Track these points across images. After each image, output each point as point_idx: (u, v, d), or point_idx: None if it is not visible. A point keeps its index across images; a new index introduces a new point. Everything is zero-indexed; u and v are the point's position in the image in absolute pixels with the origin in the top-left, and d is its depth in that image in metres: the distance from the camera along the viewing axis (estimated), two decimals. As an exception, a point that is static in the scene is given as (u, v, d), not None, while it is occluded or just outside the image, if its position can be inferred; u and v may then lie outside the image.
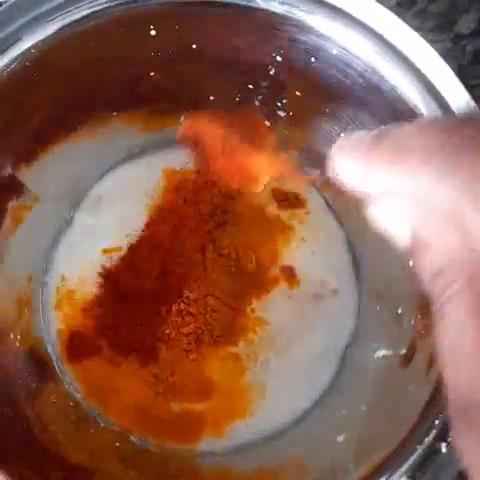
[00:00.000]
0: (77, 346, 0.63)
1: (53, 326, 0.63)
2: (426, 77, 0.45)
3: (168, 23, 0.51)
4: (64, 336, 0.63)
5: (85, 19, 0.47)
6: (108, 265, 0.65)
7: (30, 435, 0.53)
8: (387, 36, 0.46)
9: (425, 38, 0.67)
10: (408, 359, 0.50)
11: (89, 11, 0.47)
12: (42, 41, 0.47)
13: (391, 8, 0.77)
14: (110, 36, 0.50)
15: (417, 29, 0.75)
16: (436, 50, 0.49)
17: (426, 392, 0.44)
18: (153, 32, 0.51)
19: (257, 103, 0.60)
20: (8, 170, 0.54)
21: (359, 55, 0.47)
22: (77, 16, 0.47)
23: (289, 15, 0.47)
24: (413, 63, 0.46)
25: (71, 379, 0.62)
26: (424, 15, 0.80)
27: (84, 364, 0.62)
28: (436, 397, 0.43)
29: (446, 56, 0.77)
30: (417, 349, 0.49)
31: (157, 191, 0.66)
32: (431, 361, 0.46)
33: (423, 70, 0.46)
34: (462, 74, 0.78)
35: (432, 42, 0.78)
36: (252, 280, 0.65)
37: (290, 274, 0.66)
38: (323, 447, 0.55)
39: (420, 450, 0.43)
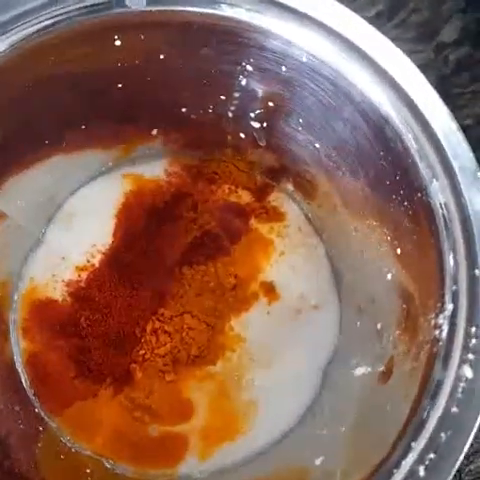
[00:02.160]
0: (47, 374, 0.60)
1: (21, 347, 0.61)
2: (397, 83, 0.44)
3: (133, 33, 0.49)
4: (32, 359, 0.61)
5: (44, 31, 0.46)
6: (79, 282, 0.63)
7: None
8: (355, 41, 0.44)
9: (406, 48, 0.65)
10: (386, 376, 0.48)
11: (48, 22, 0.46)
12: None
13: (371, 19, 0.77)
14: (72, 48, 0.48)
15: (398, 39, 0.73)
16: (418, 60, 0.48)
17: (404, 412, 0.42)
18: (118, 42, 0.49)
19: (230, 114, 0.58)
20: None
21: (327, 61, 0.45)
22: (35, 28, 0.46)
23: (255, 22, 0.45)
24: (383, 69, 0.44)
25: (41, 404, 0.60)
26: (405, 25, 0.79)
27: (55, 392, 0.60)
28: (414, 418, 0.41)
29: (428, 66, 0.76)
30: (395, 366, 0.47)
31: (129, 206, 0.64)
32: (410, 379, 0.44)
33: (394, 76, 0.44)
34: (445, 83, 0.77)
35: (414, 52, 0.78)
36: (231, 296, 0.63)
37: (269, 289, 0.64)
38: (302, 468, 0.53)
39: (398, 473, 0.40)
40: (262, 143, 0.60)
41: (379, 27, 0.51)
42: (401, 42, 0.77)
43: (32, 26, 0.45)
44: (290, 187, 0.65)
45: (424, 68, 0.50)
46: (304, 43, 0.46)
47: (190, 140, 0.64)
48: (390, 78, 0.44)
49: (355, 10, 0.46)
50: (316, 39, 0.45)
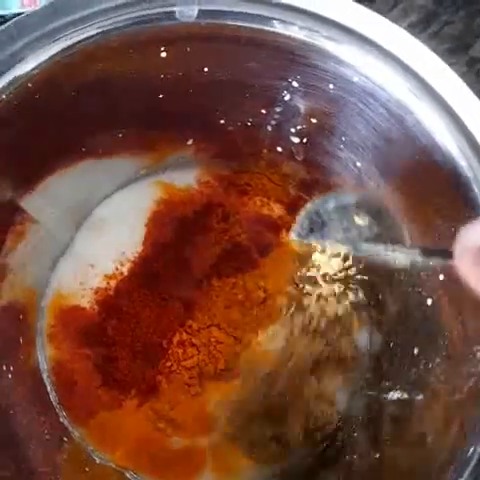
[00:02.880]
0: (72, 383, 0.60)
1: (47, 355, 0.60)
2: (454, 111, 0.43)
3: (179, 45, 0.48)
4: (58, 367, 0.60)
5: (91, 39, 0.45)
6: (108, 291, 0.62)
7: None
8: (414, 66, 0.43)
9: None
10: (426, 406, 0.47)
11: (96, 31, 0.45)
12: (46, 62, 0.44)
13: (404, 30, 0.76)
14: (118, 57, 0.47)
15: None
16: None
17: (447, 446, 0.41)
18: (163, 54, 0.48)
19: (269, 128, 0.57)
20: (8, 195, 0.51)
21: (382, 85, 0.44)
22: (83, 36, 0.45)
23: (308, 41, 0.44)
24: (441, 96, 0.43)
25: (68, 415, 0.59)
26: (438, 38, 0.78)
27: (80, 401, 0.59)
28: (458, 454, 0.40)
29: (461, 80, 0.75)
30: (435, 396, 0.46)
31: (160, 215, 0.63)
32: (452, 411, 0.43)
33: (451, 103, 0.43)
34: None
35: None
36: (259, 310, 0.63)
37: (299, 305, 0.63)
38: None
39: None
40: (299, 158, 0.59)
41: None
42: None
43: (81, 34, 0.44)
44: (323, 202, 0.64)
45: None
46: (357, 64, 0.44)
47: (223, 150, 0.63)
48: (447, 105, 0.43)
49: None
50: (372, 62, 0.44)
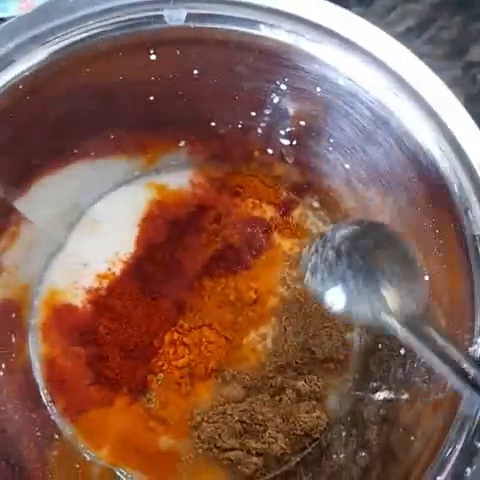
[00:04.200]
0: (64, 380, 0.60)
1: (39, 352, 0.61)
2: (437, 114, 0.43)
3: (169, 48, 0.49)
4: (50, 365, 0.61)
5: (82, 43, 0.46)
6: (100, 290, 0.62)
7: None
8: (397, 69, 0.44)
9: (434, 66, 0.65)
10: (410, 405, 0.48)
11: (86, 34, 0.46)
12: (37, 64, 0.45)
13: (400, 34, 0.76)
14: (108, 60, 0.48)
15: (427, 56, 0.73)
16: (445, 78, 0.47)
17: (429, 444, 0.42)
18: (153, 57, 0.49)
19: (260, 131, 0.58)
20: (0, 196, 0.52)
21: (366, 87, 0.45)
22: (74, 39, 0.46)
23: (294, 44, 0.45)
24: (423, 98, 0.43)
25: (59, 412, 0.60)
26: (434, 42, 0.78)
27: (71, 399, 0.60)
28: (438, 452, 0.41)
29: (455, 84, 0.75)
30: (419, 396, 0.47)
31: (153, 216, 0.64)
32: (435, 411, 0.44)
33: (434, 106, 0.43)
34: (471, 103, 0.76)
35: (442, 70, 0.76)
36: (251, 310, 0.63)
37: (289, 306, 0.63)
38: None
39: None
40: (290, 160, 0.60)
41: (408, 43, 0.51)
42: (430, 59, 0.77)
43: (71, 38, 0.45)
44: (315, 204, 0.64)
45: (451, 86, 0.49)
46: (342, 67, 0.45)
47: (216, 152, 0.64)
48: (428, 106, 0.43)
49: (386, 25, 0.46)
50: (357, 64, 0.44)
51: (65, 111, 0.52)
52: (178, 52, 0.49)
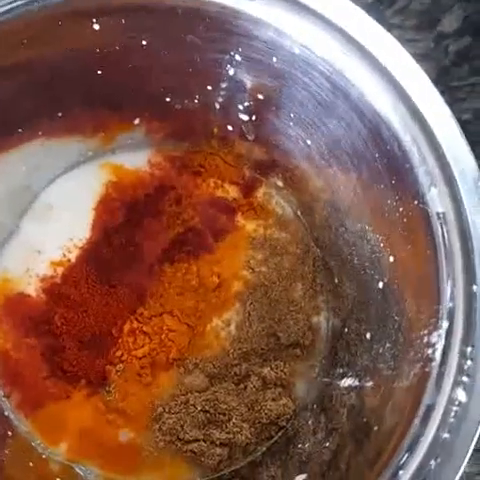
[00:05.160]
0: (18, 374, 0.57)
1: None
2: (397, 82, 0.40)
3: (113, 17, 0.45)
4: (3, 358, 0.58)
5: (16, 12, 0.42)
6: (55, 278, 0.59)
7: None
8: (355, 35, 0.41)
9: (406, 37, 0.62)
10: (374, 393, 0.45)
11: (21, 1, 0.42)
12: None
13: (370, 4, 0.73)
14: (47, 30, 0.44)
15: (397, 27, 0.69)
16: (417, 49, 0.44)
17: (392, 435, 0.40)
18: (96, 26, 0.45)
19: (217, 105, 0.55)
20: None
21: (324, 56, 0.42)
22: (8, 7, 0.42)
23: (242, 8, 0.41)
24: (383, 65, 0.40)
25: (13, 407, 0.57)
26: (406, 13, 0.75)
27: (26, 393, 0.57)
28: (402, 443, 0.38)
29: (427, 56, 0.73)
30: (384, 383, 0.44)
31: (109, 198, 0.61)
32: (399, 399, 0.41)
33: (394, 73, 0.41)
34: (444, 75, 0.74)
35: (413, 41, 0.74)
36: (214, 296, 0.60)
37: (254, 291, 0.61)
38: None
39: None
40: (250, 137, 0.57)
41: (379, 13, 0.48)
42: (401, 30, 0.73)
43: (2, 6, 0.41)
44: (279, 183, 0.61)
45: (423, 58, 0.47)
46: (297, 34, 0.42)
47: (174, 130, 0.61)
48: (390, 76, 0.41)
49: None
50: (311, 30, 0.41)
51: (7, 89, 0.48)
52: (123, 21, 0.45)
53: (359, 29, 0.41)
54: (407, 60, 0.41)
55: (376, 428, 0.43)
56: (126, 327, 0.58)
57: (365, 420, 0.45)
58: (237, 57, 0.47)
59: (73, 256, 0.60)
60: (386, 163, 0.44)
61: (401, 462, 0.38)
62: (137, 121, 0.58)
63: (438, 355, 0.39)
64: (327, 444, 0.49)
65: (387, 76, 0.41)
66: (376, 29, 0.41)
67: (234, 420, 0.55)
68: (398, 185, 0.43)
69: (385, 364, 0.45)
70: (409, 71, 0.41)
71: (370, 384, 0.47)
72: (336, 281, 0.58)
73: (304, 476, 0.48)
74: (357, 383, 0.49)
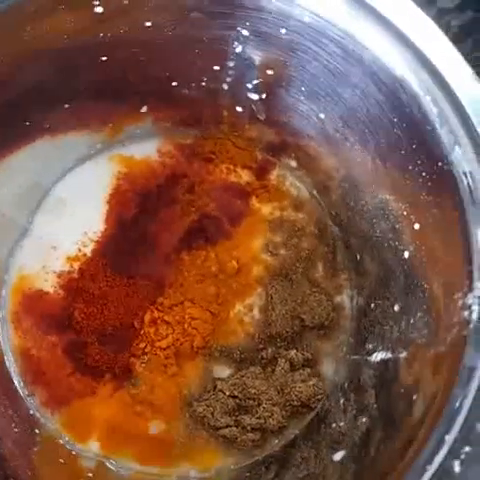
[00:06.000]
0: (41, 372, 0.57)
1: (12, 344, 0.57)
2: (413, 42, 0.39)
3: (115, -2, 0.44)
4: (25, 357, 0.57)
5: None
6: (72, 273, 0.58)
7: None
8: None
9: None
10: (410, 363, 0.44)
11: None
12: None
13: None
14: (48, 16, 0.43)
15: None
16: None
17: (434, 402, 0.39)
18: (99, 9, 0.44)
19: (226, 87, 0.54)
20: None
21: (333, 20, 0.41)
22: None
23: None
24: (397, 27, 0.39)
25: (38, 405, 0.56)
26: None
27: (51, 391, 0.56)
28: (445, 408, 0.37)
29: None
30: (419, 352, 0.43)
31: (121, 190, 0.60)
32: (438, 366, 0.40)
33: (410, 35, 0.39)
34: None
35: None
36: (234, 281, 0.59)
37: (275, 273, 0.60)
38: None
39: (431, 469, 0.37)
40: (261, 117, 0.56)
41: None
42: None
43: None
44: (292, 163, 0.60)
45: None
46: (306, 1, 0.41)
47: (183, 117, 0.60)
48: (405, 37, 0.40)
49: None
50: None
51: (12, 81, 0.47)
52: (126, 2, 0.44)
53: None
54: (422, 19, 0.40)
55: (414, 397, 0.41)
56: (147, 317, 0.57)
57: (401, 392, 0.44)
58: (244, 32, 0.46)
59: (89, 250, 0.59)
60: (405, 128, 0.43)
61: (445, 427, 0.37)
62: (144, 109, 0.58)
63: (475, 316, 0.37)
64: (358, 423, 0.48)
65: (401, 37, 0.40)
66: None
67: (264, 405, 0.54)
68: (420, 149, 0.42)
69: (418, 333, 0.44)
70: (424, 30, 0.40)
71: (404, 355, 0.46)
72: (358, 258, 0.57)
73: (343, 453, 0.47)
74: (390, 355, 0.48)
